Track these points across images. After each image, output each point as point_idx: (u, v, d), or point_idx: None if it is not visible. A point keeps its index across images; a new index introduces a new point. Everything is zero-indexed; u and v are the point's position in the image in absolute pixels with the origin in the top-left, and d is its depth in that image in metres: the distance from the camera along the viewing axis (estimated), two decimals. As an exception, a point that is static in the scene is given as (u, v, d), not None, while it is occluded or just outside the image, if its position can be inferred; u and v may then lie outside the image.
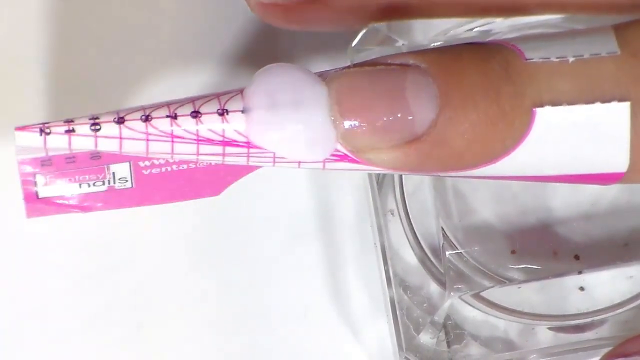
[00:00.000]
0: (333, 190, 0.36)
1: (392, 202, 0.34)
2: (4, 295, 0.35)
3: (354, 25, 0.32)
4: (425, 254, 0.33)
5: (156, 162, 0.29)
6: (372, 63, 0.27)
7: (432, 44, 0.33)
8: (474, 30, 0.33)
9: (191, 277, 0.35)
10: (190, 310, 0.35)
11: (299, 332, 0.35)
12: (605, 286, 0.33)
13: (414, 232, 0.33)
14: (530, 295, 0.33)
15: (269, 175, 0.30)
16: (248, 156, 0.27)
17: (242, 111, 0.27)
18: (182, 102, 0.27)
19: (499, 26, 0.33)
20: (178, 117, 0.27)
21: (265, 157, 0.27)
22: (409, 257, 0.34)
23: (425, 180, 0.33)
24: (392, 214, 0.34)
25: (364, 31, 0.32)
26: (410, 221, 0.33)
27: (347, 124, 0.27)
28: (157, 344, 0.35)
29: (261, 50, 0.36)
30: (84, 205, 0.29)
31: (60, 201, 0.29)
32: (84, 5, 0.36)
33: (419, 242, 0.33)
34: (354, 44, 0.32)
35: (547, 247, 0.33)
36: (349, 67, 0.28)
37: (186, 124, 0.27)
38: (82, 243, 0.35)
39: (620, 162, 0.27)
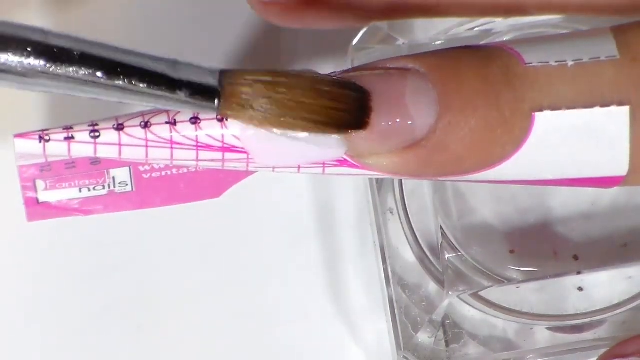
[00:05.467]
0: (333, 189, 0.36)
1: (392, 201, 0.34)
2: (5, 295, 0.35)
3: (355, 24, 0.31)
4: (424, 253, 0.33)
5: (156, 166, 0.29)
6: (371, 67, 0.27)
7: (433, 43, 0.33)
8: (474, 30, 0.33)
9: (191, 278, 0.35)
10: (190, 310, 0.35)
11: (299, 332, 0.35)
12: (604, 287, 0.33)
13: (413, 231, 0.33)
14: (528, 295, 0.33)
15: (269, 176, 0.30)
16: (247, 162, 0.27)
17: None
18: (181, 108, 0.27)
19: (500, 26, 0.33)
20: (177, 124, 0.27)
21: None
22: (408, 256, 0.34)
23: (425, 180, 0.33)
24: (392, 212, 0.34)
25: (364, 30, 0.32)
26: (409, 220, 0.33)
27: (346, 128, 0.27)
28: (156, 344, 0.35)
29: (262, 49, 0.36)
30: (84, 209, 0.29)
31: (61, 205, 0.29)
32: (84, 5, 0.36)
33: (418, 241, 0.33)
34: (354, 42, 0.32)
35: (546, 247, 0.33)
36: (348, 71, 0.27)
37: (185, 130, 0.27)
38: (82, 244, 0.35)
39: (620, 165, 0.27)
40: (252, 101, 0.26)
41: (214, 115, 0.26)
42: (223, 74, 0.26)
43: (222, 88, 0.26)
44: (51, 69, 0.24)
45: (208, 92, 0.26)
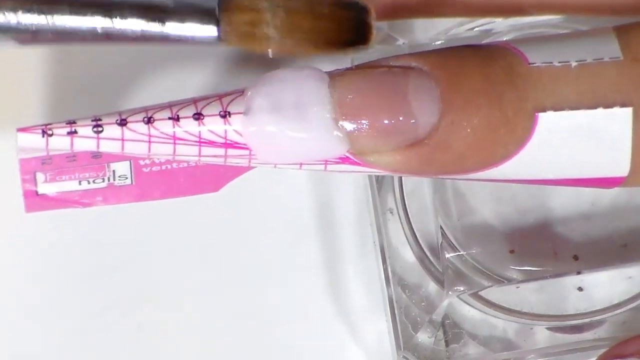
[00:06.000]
0: (333, 189, 0.36)
1: (392, 201, 0.34)
2: (4, 295, 0.35)
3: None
4: (424, 253, 0.33)
5: (156, 160, 0.29)
6: (373, 65, 0.27)
7: (433, 43, 0.33)
8: (474, 29, 0.33)
9: (190, 277, 0.35)
10: (189, 310, 0.35)
11: (299, 332, 0.35)
12: (603, 287, 0.33)
13: (413, 231, 0.33)
14: (528, 295, 0.33)
15: (268, 173, 0.30)
16: (250, 158, 0.27)
17: (244, 113, 0.27)
18: (184, 104, 0.27)
19: (500, 26, 0.33)
20: (180, 119, 0.27)
21: (267, 158, 0.27)
22: (408, 255, 0.34)
23: (425, 180, 0.33)
24: (392, 212, 0.34)
25: (365, 30, 0.32)
26: (409, 220, 0.33)
27: (349, 126, 0.27)
28: (156, 344, 0.35)
29: (262, 49, 0.36)
30: (83, 200, 0.29)
31: (59, 197, 0.29)
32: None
33: (418, 241, 0.33)
34: (354, 42, 0.32)
35: (546, 247, 0.33)
36: (350, 68, 0.28)
37: (188, 126, 0.27)
38: (81, 240, 0.35)
39: (621, 166, 0.27)
40: (251, 28, 0.26)
41: (214, 40, 0.27)
42: (221, 2, 0.26)
43: (221, 16, 0.26)
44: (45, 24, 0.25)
45: (207, 20, 0.26)
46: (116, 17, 0.25)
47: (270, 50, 0.26)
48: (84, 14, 0.25)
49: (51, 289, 0.35)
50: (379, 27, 0.32)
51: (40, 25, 0.25)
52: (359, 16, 0.27)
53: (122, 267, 0.35)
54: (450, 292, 0.32)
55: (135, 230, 0.35)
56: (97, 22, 0.25)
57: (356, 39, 0.26)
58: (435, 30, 0.33)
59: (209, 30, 0.26)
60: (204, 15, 0.26)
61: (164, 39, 0.26)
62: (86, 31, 0.26)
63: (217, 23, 0.26)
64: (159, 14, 0.26)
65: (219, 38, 0.26)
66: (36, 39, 0.25)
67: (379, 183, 0.34)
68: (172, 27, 0.26)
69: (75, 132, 0.26)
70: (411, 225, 0.33)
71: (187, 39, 0.26)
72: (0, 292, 0.35)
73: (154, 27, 0.26)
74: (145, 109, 0.27)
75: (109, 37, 0.26)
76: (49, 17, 0.25)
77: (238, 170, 0.29)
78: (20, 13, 0.25)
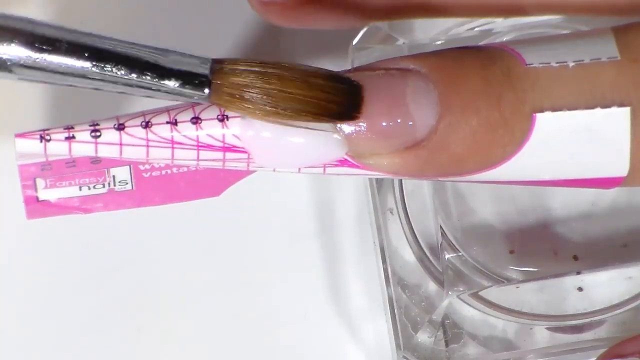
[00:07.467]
0: (333, 189, 0.36)
1: (392, 201, 0.34)
2: (4, 295, 0.35)
3: (355, 24, 0.31)
4: (424, 252, 0.33)
5: (156, 165, 0.29)
6: (371, 68, 0.27)
7: (433, 43, 0.33)
8: (474, 29, 0.33)
9: (191, 278, 0.35)
10: (189, 311, 0.35)
11: (299, 332, 0.35)
12: (603, 287, 0.33)
13: (413, 231, 0.34)
14: (528, 295, 0.33)
15: (269, 175, 0.30)
16: (248, 162, 0.27)
17: (242, 117, 0.27)
18: (182, 108, 0.27)
19: (500, 26, 0.33)
20: (178, 124, 0.27)
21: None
22: (408, 255, 0.34)
23: (425, 180, 0.33)
24: (392, 212, 0.34)
25: (364, 30, 0.32)
26: (409, 220, 0.33)
27: (347, 129, 0.27)
28: (156, 345, 0.35)
29: (262, 49, 0.36)
30: (84, 207, 0.29)
31: (60, 203, 0.29)
32: (84, 5, 0.36)
33: (418, 241, 0.33)
34: (354, 42, 0.32)
35: (546, 247, 0.33)
36: (348, 71, 0.28)
37: (186, 130, 0.27)
38: (82, 244, 0.35)
39: (620, 166, 0.27)
40: (242, 91, 0.26)
41: (205, 104, 0.26)
42: (214, 63, 0.26)
43: (213, 77, 0.26)
44: (37, 60, 0.24)
45: (198, 81, 0.26)
46: (108, 67, 0.25)
47: (258, 116, 0.26)
48: (77, 57, 0.25)
49: (53, 293, 0.35)
50: (378, 26, 0.32)
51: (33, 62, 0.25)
52: (352, 90, 0.26)
53: (122, 270, 0.35)
54: (450, 292, 0.32)
55: (136, 231, 0.35)
56: (87, 71, 0.25)
57: (345, 112, 0.26)
58: (435, 30, 0.33)
59: (199, 90, 0.26)
60: (196, 75, 0.26)
61: (155, 92, 0.26)
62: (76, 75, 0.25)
63: (209, 84, 0.26)
64: (151, 71, 0.25)
65: (209, 98, 0.26)
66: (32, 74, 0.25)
67: (378, 183, 0.34)
68: (161, 84, 0.26)
69: (73, 137, 0.26)
70: (411, 225, 0.33)
71: (176, 93, 0.26)
72: (1, 297, 0.35)
73: (144, 83, 0.26)
74: (143, 113, 0.27)
75: (97, 82, 0.25)
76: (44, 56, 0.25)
77: (239, 174, 0.29)
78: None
